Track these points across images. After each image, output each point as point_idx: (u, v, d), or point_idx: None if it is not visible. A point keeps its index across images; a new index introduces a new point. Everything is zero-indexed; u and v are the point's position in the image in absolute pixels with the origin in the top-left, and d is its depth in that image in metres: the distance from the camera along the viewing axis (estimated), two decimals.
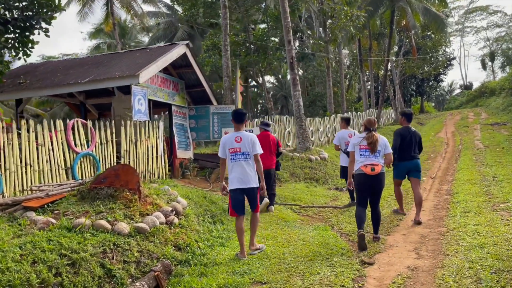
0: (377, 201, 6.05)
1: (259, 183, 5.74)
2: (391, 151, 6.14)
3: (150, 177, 9.06)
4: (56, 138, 7.09)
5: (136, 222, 5.69)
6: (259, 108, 48.55)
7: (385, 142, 6.00)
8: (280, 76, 48.67)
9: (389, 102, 37.58)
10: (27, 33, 11.33)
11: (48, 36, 11.42)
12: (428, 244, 5.87)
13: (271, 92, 51.86)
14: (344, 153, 8.73)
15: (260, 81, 29.17)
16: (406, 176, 7.47)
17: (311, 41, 25.99)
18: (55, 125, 7.13)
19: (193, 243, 5.99)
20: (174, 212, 6.32)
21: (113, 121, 8.81)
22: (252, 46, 25.50)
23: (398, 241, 6.16)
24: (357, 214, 5.95)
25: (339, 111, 27.08)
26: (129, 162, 8.45)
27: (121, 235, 5.31)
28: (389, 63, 32.59)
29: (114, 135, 8.22)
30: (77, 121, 7.49)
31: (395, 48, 38.49)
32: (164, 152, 9.55)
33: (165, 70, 11.98)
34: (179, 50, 11.09)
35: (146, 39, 41.74)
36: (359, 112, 26.54)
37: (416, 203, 7.22)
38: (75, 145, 7.41)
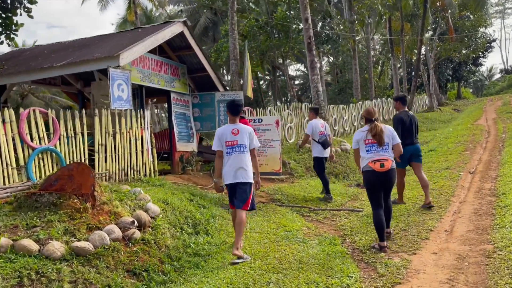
0: (388, 196, 5.38)
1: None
2: (400, 141, 5.44)
3: (133, 174, 7.79)
4: (5, 131, 5.88)
5: (78, 240, 4.39)
6: (289, 96, 46.95)
7: (391, 132, 5.34)
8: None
9: (423, 88, 35.13)
10: (8, 14, 10.25)
11: (31, 16, 10.33)
12: (467, 271, 4.30)
13: (301, 81, 50.45)
14: (318, 143, 8.27)
15: (282, 68, 27.54)
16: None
17: (339, 25, 24.07)
18: (3, 116, 5.91)
19: (154, 265, 4.64)
20: (135, 224, 4.99)
21: (89, 111, 7.55)
22: (274, 30, 23.90)
23: (426, 264, 4.63)
24: (376, 219, 5.20)
25: (368, 97, 25.19)
26: (105, 158, 7.19)
27: (50, 259, 4.03)
28: (423, 46, 30.25)
29: (86, 126, 6.97)
30: (33, 111, 6.26)
31: (430, 32, 35.91)
32: (152, 146, 8.25)
33: (162, 53, 10.68)
34: (174, 28, 9.72)
35: None
36: (389, 99, 24.54)
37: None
38: (32, 139, 6.18)
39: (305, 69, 51.71)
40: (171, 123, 10.72)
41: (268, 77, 42.09)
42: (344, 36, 22.50)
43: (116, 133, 7.43)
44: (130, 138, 7.70)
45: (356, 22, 21.89)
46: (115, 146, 7.40)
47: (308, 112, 9.54)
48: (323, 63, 52.28)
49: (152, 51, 10.10)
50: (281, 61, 27.63)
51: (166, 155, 11.48)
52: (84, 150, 6.91)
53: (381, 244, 5.15)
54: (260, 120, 10.89)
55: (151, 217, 5.44)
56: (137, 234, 4.92)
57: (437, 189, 8.05)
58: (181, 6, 40.15)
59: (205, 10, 35.81)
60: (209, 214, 6.52)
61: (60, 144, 6.56)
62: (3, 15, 10.11)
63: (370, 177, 5.15)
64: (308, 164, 11.62)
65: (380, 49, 41.33)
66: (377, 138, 5.08)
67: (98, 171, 7.07)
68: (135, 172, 7.81)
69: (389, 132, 5.29)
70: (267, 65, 29.90)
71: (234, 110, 5.31)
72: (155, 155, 8.32)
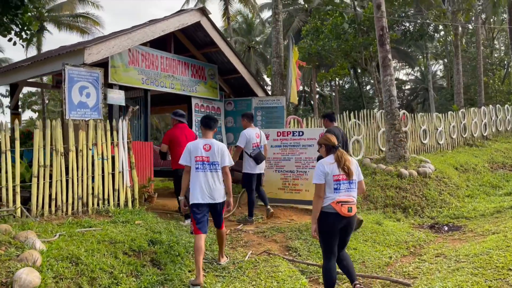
0: (346, 245, 4.45)
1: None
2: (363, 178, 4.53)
3: (98, 204, 5.91)
4: None
5: None
6: (377, 102, 43.16)
7: (357, 166, 4.40)
8: (422, 68, 43.90)
9: None
10: (18, 12, 9.17)
11: (41, 13, 9.14)
12: None
13: (412, 85, 46.31)
14: (250, 157, 7.17)
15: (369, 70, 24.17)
16: None
17: (437, 16, 20.15)
18: None
19: None
20: None
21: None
22: (362, 27, 20.89)
23: None
24: (327, 271, 4.26)
25: (475, 103, 20.87)
26: (49, 183, 5.42)
27: None
28: None
29: (18, 142, 5.25)
30: None
31: None
32: (132, 167, 6.32)
33: (182, 51, 8.83)
34: (185, 18, 7.74)
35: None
36: (506, 106, 19.87)
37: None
38: None
39: (415, 73, 47.09)
40: None
41: (372, 81, 38.79)
42: (443, 29, 18.66)
43: (71, 151, 5.62)
44: (92, 157, 5.86)
45: (461, 12, 17.96)
46: (66, 167, 5.61)
47: (241, 118, 7.28)
48: (435, 67, 47.14)
49: (166, 48, 8.32)
50: (362, 58, 24.33)
51: None
52: (14, 174, 5.20)
53: None
54: (300, 133, 8.46)
55: None
56: None
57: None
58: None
59: (299, 13, 34.17)
60: (151, 280, 4.34)
61: None
62: (15, 12, 9.05)
63: (331, 220, 4.21)
64: (367, 192, 8.82)
65: (505, 49, 35.31)
66: (345, 170, 4.21)
67: (36, 201, 5.32)
68: (100, 202, 5.94)
69: (355, 164, 4.37)
70: (371, 68, 26.78)
71: (207, 124, 5.07)
72: (136, 179, 6.38)
